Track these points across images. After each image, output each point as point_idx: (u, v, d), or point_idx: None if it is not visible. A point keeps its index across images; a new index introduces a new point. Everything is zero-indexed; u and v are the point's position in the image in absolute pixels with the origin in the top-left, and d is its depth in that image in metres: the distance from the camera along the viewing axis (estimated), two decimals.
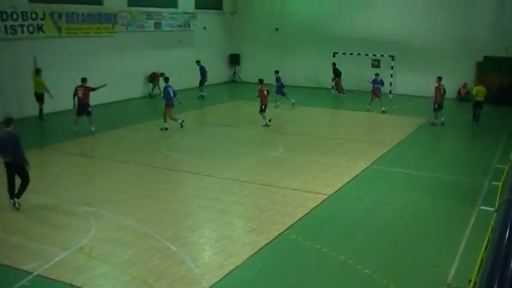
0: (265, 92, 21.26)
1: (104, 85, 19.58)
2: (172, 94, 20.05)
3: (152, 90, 27.97)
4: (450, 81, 22.01)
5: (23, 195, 11.86)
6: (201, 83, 27.86)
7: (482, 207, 12.40)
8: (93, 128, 19.35)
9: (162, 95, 20.32)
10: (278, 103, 25.06)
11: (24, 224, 11.12)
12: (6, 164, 11.68)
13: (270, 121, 20.97)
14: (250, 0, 34.54)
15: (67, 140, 18.54)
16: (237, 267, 9.35)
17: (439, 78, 21.78)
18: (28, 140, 14.56)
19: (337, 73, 29.81)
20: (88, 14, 24.21)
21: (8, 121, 11.70)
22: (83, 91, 19.09)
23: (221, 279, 8.91)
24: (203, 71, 28.01)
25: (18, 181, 11.85)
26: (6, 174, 11.76)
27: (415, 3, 29.60)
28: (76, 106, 19.22)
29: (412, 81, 29.50)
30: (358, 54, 30.88)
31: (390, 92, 29.26)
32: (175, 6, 30.28)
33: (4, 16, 20.36)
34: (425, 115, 23.42)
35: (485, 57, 28.02)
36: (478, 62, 28.21)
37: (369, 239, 10.84)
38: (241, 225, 11.46)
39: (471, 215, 11.97)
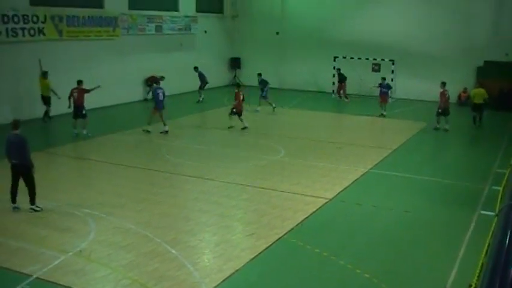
0: (242, 96, 21.18)
1: (98, 86, 19.59)
2: (161, 97, 19.90)
3: (148, 94, 27.84)
4: (450, 86, 21.98)
5: (24, 199, 11.86)
6: (201, 87, 27.86)
7: (482, 212, 12.37)
8: (84, 132, 19.22)
9: (151, 96, 20.15)
10: (259, 108, 24.85)
11: (24, 227, 11.12)
12: (13, 166, 11.76)
13: (232, 126, 20.97)
14: (251, 4, 34.59)
15: (67, 143, 18.56)
16: (237, 271, 9.35)
17: (443, 84, 21.71)
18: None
19: (342, 78, 29.76)
20: (89, 17, 24.23)
21: (16, 124, 11.86)
22: (78, 93, 19.08)
23: (221, 283, 8.90)
24: (202, 77, 27.96)
25: (21, 187, 11.87)
26: (11, 176, 11.83)
27: (416, 8, 29.63)
28: (72, 108, 19.23)
29: (412, 86, 29.51)
30: (359, 58, 30.88)
31: (390, 96, 29.21)
32: (176, 9, 30.31)
33: (5, 19, 20.38)
34: (426, 119, 23.43)
35: (485, 62, 28.05)
36: (479, 67, 28.23)
37: (368, 244, 10.83)
38: (241, 229, 11.45)
39: (471, 220, 11.96)
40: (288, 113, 25.57)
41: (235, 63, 35.04)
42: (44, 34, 22.04)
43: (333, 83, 30.69)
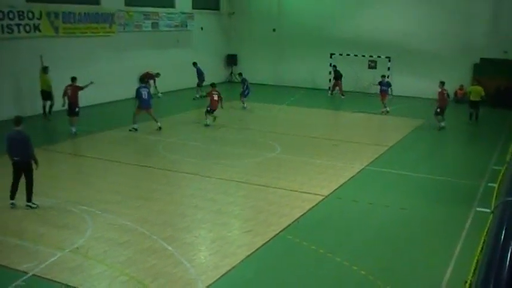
0: (215, 96, 21.36)
1: (91, 83, 19.42)
2: (145, 96, 19.68)
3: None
4: (447, 83, 21.93)
5: (20, 196, 11.88)
6: (198, 84, 27.88)
7: (478, 208, 12.42)
8: (74, 129, 19.11)
9: (135, 95, 19.94)
10: (245, 105, 24.94)
11: (21, 224, 11.11)
12: (14, 163, 11.76)
13: (208, 124, 21.12)
14: (248, 0, 34.56)
15: (63, 140, 18.54)
16: (233, 267, 9.36)
17: (442, 83, 21.56)
18: None
19: (337, 75, 29.78)
20: (85, 13, 24.19)
21: (18, 120, 11.86)
22: (72, 90, 19.00)
23: (217, 279, 8.92)
24: (200, 73, 28.03)
25: (21, 185, 11.89)
26: (12, 173, 11.83)
27: (413, 5, 29.61)
28: (66, 106, 19.20)
29: (408, 83, 29.50)
30: (355, 55, 30.92)
31: (390, 94, 29.22)
32: (172, 6, 30.26)
33: (1, 15, 20.32)
34: (422, 117, 23.47)
35: (482, 59, 28.08)
36: (475, 64, 28.27)
37: (365, 241, 10.86)
38: (237, 226, 11.47)
39: (467, 217, 11.99)
40: (284, 110, 25.58)
41: (231, 60, 35.02)
42: (39, 31, 21.98)
43: (330, 80, 30.68)
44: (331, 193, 13.40)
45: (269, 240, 10.54)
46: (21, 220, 11.34)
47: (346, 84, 30.11)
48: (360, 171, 15.40)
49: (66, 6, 23.31)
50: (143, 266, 9.31)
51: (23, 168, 11.76)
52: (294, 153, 17.31)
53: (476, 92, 22.76)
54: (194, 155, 17.06)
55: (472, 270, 6.39)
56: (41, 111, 21.61)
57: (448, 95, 21.73)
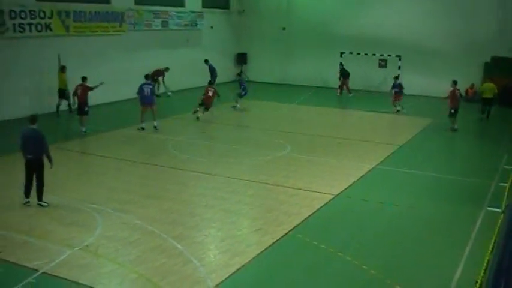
0: (210, 92, 21.86)
1: (101, 83, 19.41)
2: (147, 92, 19.55)
3: (158, 90, 27.73)
4: (458, 82, 21.63)
5: (33, 194, 11.95)
6: (210, 82, 27.83)
7: (489, 208, 12.34)
8: (84, 129, 19.15)
9: (137, 91, 19.85)
10: (238, 105, 24.49)
11: (31, 222, 11.18)
12: (27, 161, 11.80)
13: (198, 118, 21.74)
14: None
15: (74, 139, 18.63)
16: (243, 266, 9.37)
17: (455, 82, 21.02)
18: None
19: (344, 74, 29.70)
20: (95, 12, 24.29)
21: (33, 119, 11.93)
22: (81, 90, 19.04)
23: (226, 278, 8.93)
24: (212, 70, 28.04)
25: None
26: (25, 171, 11.88)
27: (423, 4, 29.47)
28: (76, 105, 19.30)
29: (419, 81, 29.35)
30: (365, 54, 30.84)
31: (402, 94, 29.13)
32: (182, 5, 30.32)
33: (13, 14, 20.46)
34: (432, 116, 23.36)
35: (492, 57, 27.89)
36: (486, 63, 28.08)
37: (374, 240, 10.83)
38: (247, 224, 11.48)
39: (478, 216, 11.92)
40: (294, 109, 25.54)
41: (241, 59, 35.00)
42: (50, 30, 22.11)
43: (339, 79, 30.51)
44: (340, 192, 13.37)
45: (279, 239, 10.53)
46: (31, 218, 11.40)
47: (356, 83, 30.03)
48: (369, 171, 15.35)
49: (77, 5, 23.42)
50: (153, 264, 9.34)
51: (36, 167, 11.81)
52: (304, 152, 17.28)
53: (489, 89, 22.92)
54: (203, 153, 17.08)
55: (483, 270, 6.35)
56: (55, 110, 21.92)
57: (460, 94, 21.30)
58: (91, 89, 19.10)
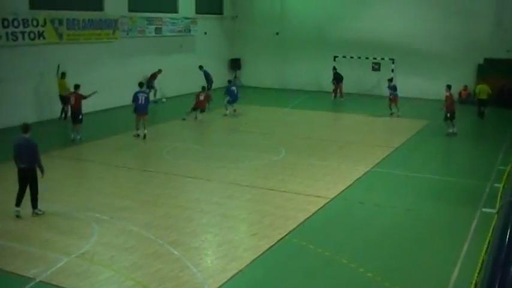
0: (202, 97, 22.79)
1: (95, 92, 19.38)
2: (141, 100, 19.30)
3: (155, 96, 27.74)
4: (451, 83, 21.61)
5: (26, 203, 11.86)
6: (208, 88, 27.80)
7: (484, 209, 12.40)
8: (78, 136, 19.06)
9: (132, 99, 19.65)
10: (227, 112, 24.26)
11: (27, 230, 11.14)
12: (20, 170, 11.71)
13: (196, 118, 22.75)
14: (251, 4, 34.59)
15: (68, 146, 18.57)
16: (240, 271, 9.37)
17: (449, 87, 20.81)
18: None
19: (338, 78, 29.70)
20: (89, 20, 24.26)
21: (26, 127, 11.80)
22: (75, 98, 18.97)
23: (224, 283, 8.92)
24: (207, 76, 28.02)
25: (26, 192, 11.88)
26: (18, 181, 11.78)
27: (416, 6, 29.61)
28: (70, 113, 19.29)
29: (412, 84, 29.43)
30: (359, 57, 30.94)
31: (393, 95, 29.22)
32: (175, 11, 30.32)
33: (5, 23, 20.40)
34: (427, 118, 23.44)
35: (485, 59, 28.03)
36: (479, 64, 28.21)
37: (371, 242, 10.84)
38: (243, 229, 11.48)
39: (473, 217, 11.97)
40: (289, 113, 25.57)
41: (235, 64, 35.03)
42: (44, 38, 22.07)
43: (333, 83, 30.50)
44: (337, 195, 13.39)
45: (275, 243, 10.54)
46: (27, 226, 11.36)
47: (349, 86, 30.10)
48: (365, 173, 15.39)
49: (70, 13, 23.38)
50: (149, 270, 9.32)
51: (29, 176, 11.71)
52: (299, 155, 17.31)
53: (484, 90, 23.54)
54: (199, 159, 17.08)
55: (477, 270, 6.38)
56: (56, 116, 22.32)
57: (454, 99, 21.15)
58: (84, 97, 19.01)
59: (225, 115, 24.18)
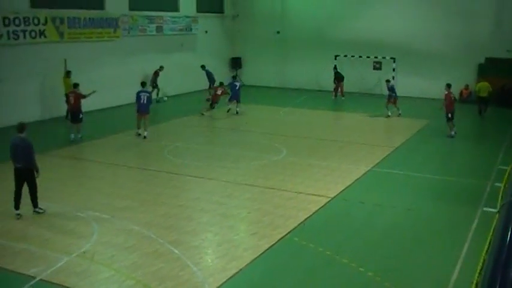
0: (219, 91, 23.67)
1: (94, 91, 19.39)
2: (143, 100, 19.21)
3: (157, 95, 27.67)
4: (452, 83, 21.47)
5: (26, 202, 11.86)
6: (210, 87, 27.78)
7: (485, 208, 12.39)
8: (79, 135, 19.08)
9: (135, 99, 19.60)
10: (230, 107, 24.42)
11: (27, 229, 11.15)
12: (16, 170, 11.68)
13: (203, 114, 23.57)
14: (252, 3, 34.58)
15: (68, 145, 18.57)
16: (240, 270, 9.37)
17: (449, 86, 20.46)
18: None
19: (338, 77, 29.67)
20: (90, 18, 24.28)
21: (21, 127, 11.75)
22: (74, 97, 18.95)
23: (224, 282, 8.93)
24: (210, 76, 27.99)
25: (24, 191, 11.83)
26: (14, 181, 11.74)
27: (417, 6, 29.58)
28: (70, 112, 19.26)
29: (413, 83, 29.45)
30: (360, 56, 30.93)
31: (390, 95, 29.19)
32: (176, 10, 30.33)
33: (6, 22, 20.43)
34: (427, 117, 23.42)
35: (486, 58, 28.01)
36: (480, 64, 28.20)
37: (372, 242, 10.84)
38: (243, 228, 11.48)
39: (474, 217, 11.96)
40: (289, 113, 25.56)
41: (236, 63, 35.02)
42: (45, 36, 22.09)
43: (334, 82, 30.49)
44: (337, 195, 13.39)
45: (275, 242, 10.54)
46: (27, 225, 11.37)
47: (351, 85, 30.09)
48: (366, 173, 15.38)
49: (71, 12, 23.40)
50: (150, 269, 9.33)
51: (25, 176, 11.67)
52: (300, 155, 17.30)
53: (484, 87, 23.84)
54: (199, 158, 17.08)
55: (478, 271, 6.37)
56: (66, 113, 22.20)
57: (454, 98, 20.68)
58: (83, 96, 19.00)
59: (227, 111, 24.49)
